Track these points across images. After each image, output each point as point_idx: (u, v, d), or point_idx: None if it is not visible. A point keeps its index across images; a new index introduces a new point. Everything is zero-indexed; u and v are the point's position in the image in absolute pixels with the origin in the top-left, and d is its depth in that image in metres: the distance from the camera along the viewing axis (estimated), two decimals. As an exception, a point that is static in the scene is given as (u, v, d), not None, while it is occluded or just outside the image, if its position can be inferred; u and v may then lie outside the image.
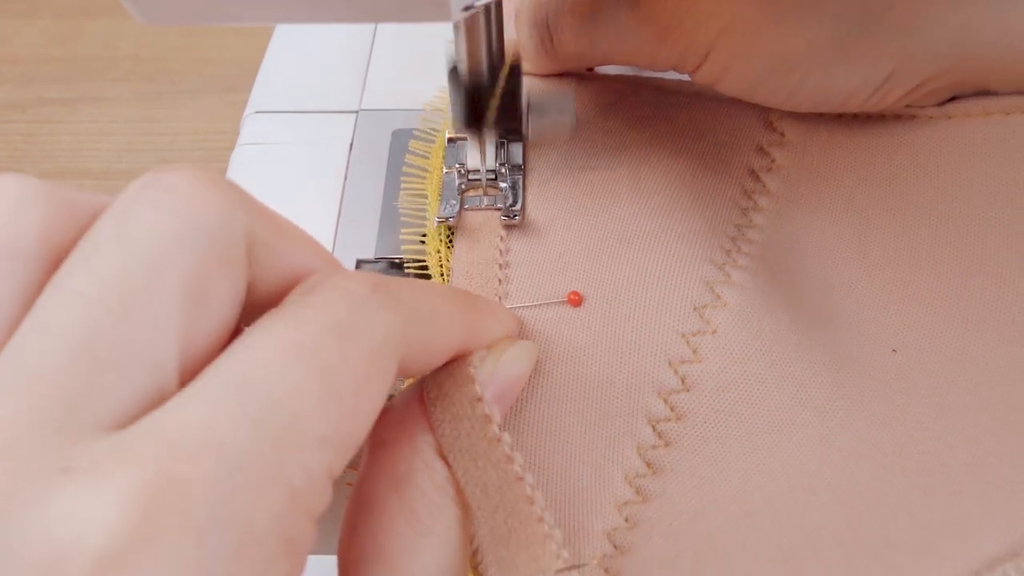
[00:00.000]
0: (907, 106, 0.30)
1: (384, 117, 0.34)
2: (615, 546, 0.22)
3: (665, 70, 0.29)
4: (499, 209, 0.28)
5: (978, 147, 0.29)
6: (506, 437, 0.20)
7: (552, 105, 0.27)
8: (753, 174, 0.30)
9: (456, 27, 0.23)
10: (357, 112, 0.34)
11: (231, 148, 0.34)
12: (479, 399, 0.20)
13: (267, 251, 0.16)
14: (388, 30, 0.37)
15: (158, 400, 0.14)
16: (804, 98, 0.29)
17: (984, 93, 0.30)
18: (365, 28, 0.37)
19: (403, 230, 0.29)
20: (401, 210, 0.30)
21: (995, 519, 0.22)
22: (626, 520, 0.23)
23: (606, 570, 0.22)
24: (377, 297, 0.16)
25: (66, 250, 0.15)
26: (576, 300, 0.26)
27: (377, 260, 0.29)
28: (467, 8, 0.19)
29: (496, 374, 0.21)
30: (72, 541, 0.12)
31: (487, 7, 0.23)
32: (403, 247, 0.29)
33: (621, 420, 0.24)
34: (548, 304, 0.26)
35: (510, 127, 0.27)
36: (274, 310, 0.16)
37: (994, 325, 0.26)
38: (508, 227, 0.28)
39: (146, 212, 0.15)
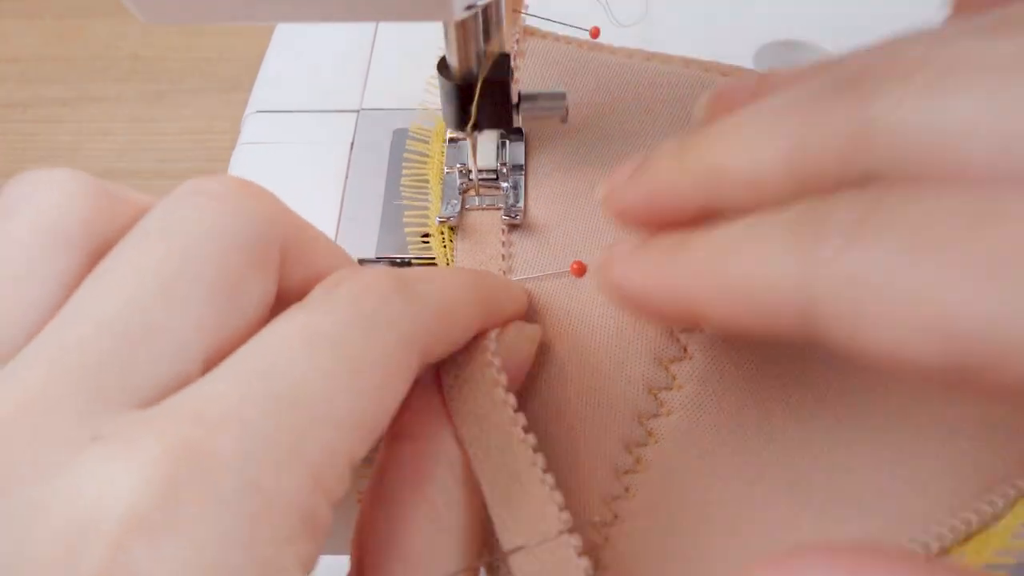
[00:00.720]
0: None
1: (385, 116, 0.34)
2: (615, 514, 0.23)
3: None
4: (500, 209, 0.28)
5: None
6: (511, 400, 0.20)
7: (544, 95, 0.27)
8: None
9: (446, 24, 0.23)
10: (358, 111, 0.34)
11: (231, 147, 0.34)
12: (489, 364, 0.20)
13: (298, 258, 0.17)
14: (389, 29, 0.37)
15: (183, 383, 0.15)
16: None
17: None
18: (366, 27, 0.37)
19: (408, 231, 0.29)
20: (404, 206, 0.30)
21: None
22: (626, 489, 0.23)
23: (606, 539, 0.22)
24: (400, 293, 0.17)
25: (110, 242, 0.16)
26: (579, 270, 0.26)
27: (378, 259, 0.29)
28: (469, 7, 0.19)
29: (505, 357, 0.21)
30: (99, 505, 0.12)
31: (488, 7, 0.23)
32: (410, 247, 0.29)
33: (621, 389, 0.24)
34: (552, 276, 0.26)
35: (500, 124, 0.26)
36: (299, 303, 0.17)
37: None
38: (510, 226, 0.28)
39: (190, 212, 0.16)
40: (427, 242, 0.29)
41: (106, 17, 0.59)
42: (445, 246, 0.28)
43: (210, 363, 0.15)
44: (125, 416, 0.14)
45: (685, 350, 0.25)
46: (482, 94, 0.24)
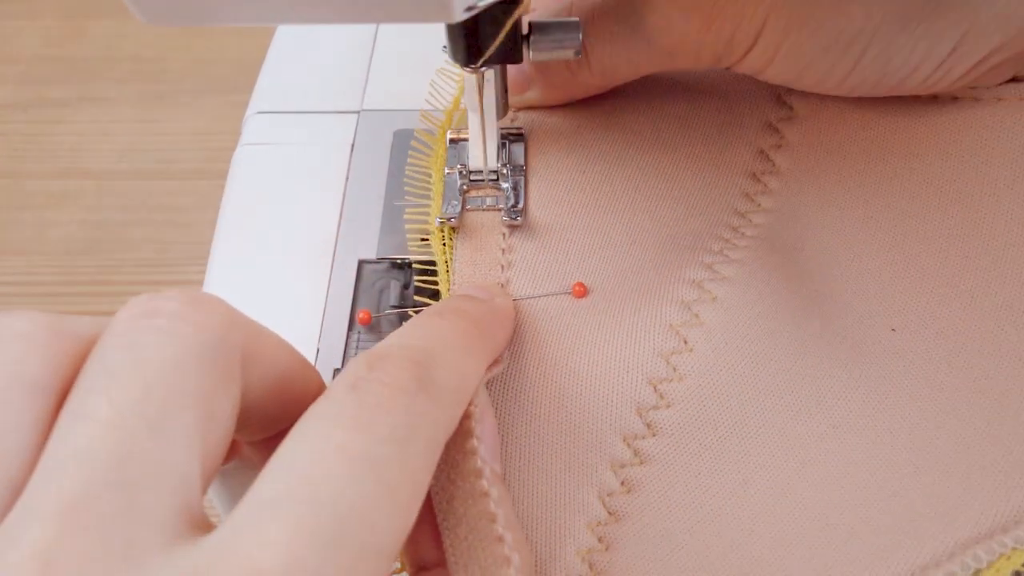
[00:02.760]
0: (971, 88, 0.28)
1: (386, 117, 0.34)
2: (601, 540, 0.22)
3: (709, 65, 0.28)
4: (501, 209, 0.28)
5: (1008, 129, 0.28)
6: (482, 450, 0.20)
7: (556, 25, 0.26)
8: (762, 154, 0.30)
9: None
10: (359, 112, 0.34)
11: (231, 148, 0.34)
12: (468, 416, 0.20)
13: (256, 362, 0.17)
14: (389, 31, 0.37)
15: (187, 518, 0.14)
16: (860, 79, 0.27)
17: None
18: (366, 29, 0.37)
19: (409, 227, 0.29)
20: (405, 207, 0.30)
21: (974, 501, 0.22)
22: (611, 518, 0.23)
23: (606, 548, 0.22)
24: (424, 391, 0.17)
25: (70, 380, 0.15)
26: (581, 292, 0.26)
27: (379, 260, 0.29)
28: (469, 8, 0.19)
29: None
30: None
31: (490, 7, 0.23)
32: (410, 247, 0.29)
33: (609, 415, 0.24)
34: (546, 296, 0.26)
35: (509, 58, 0.25)
36: (321, 407, 0.16)
37: (993, 308, 0.26)
38: (510, 227, 0.28)
39: (154, 338, 0.15)
40: (427, 241, 0.29)
41: (107, 18, 0.59)
42: (445, 244, 0.28)
43: (203, 483, 0.15)
44: (169, 566, 0.13)
45: (675, 370, 0.25)
46: (490, 23, 0.23)
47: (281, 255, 0.30)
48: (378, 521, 0.15)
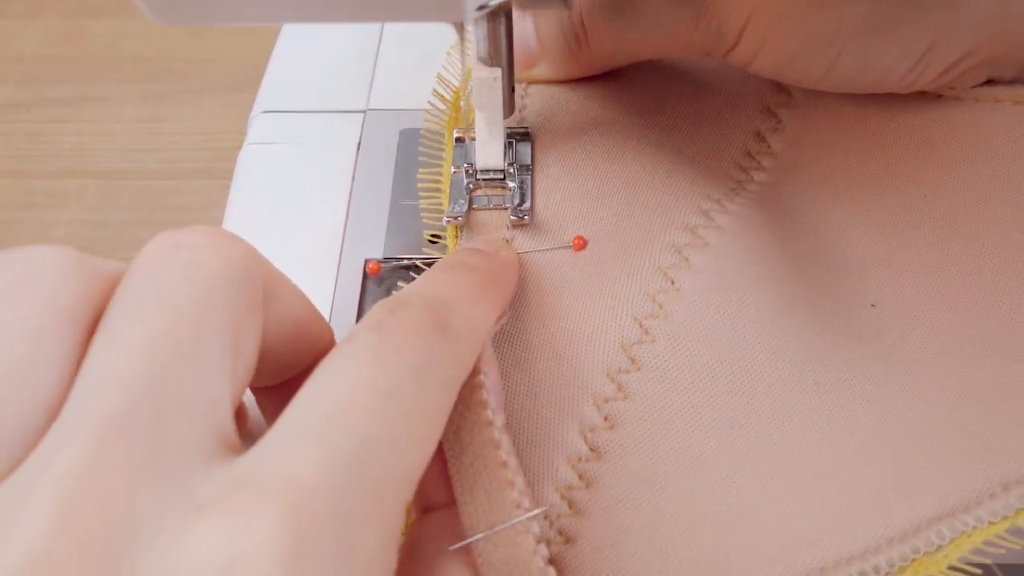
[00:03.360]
0: (949, 88, 0.30)
1: (392, 117, 0.34)
2: (581, 477, 0.23)
3: (700, 55, 0.29)
4: (507, 208, 0.28)
5: (998, 131, 0.29)
6: (488, 383, 0.20)
7: None
8: (759, 135, 0.31)
9: None
10: (365, 112, 0.34)
11: (235, 148, 0.34)
12: (477, 359, 0.21)
13: (274, 301, 0.18)
14: (395, 29, 0.37)
15: (220, 440, 0.15)
16: (839, 76, 0.28)
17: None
18: (372, 27, 0.37)
19: (427, 219, 0.29)
20: (412, 207, 0.30)
21: (939, 480, 0.23)
22: (592, 454, 0.23)
23: (564, 522, 0.22)
24: (442, 334, 0.18)
25: (98, 312, 0.16)
26: (580, 244, 0.27)
27: (386, 260, 0.29)
28: (481, 7, 0.19)
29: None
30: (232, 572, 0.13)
31: (502, 5, 0.23)
32: (424, 249, 0.29)
33: (594, 351, 0.25)
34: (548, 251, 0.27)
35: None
36: (347, 347, 0.17)
37: (969, 301, 0.26)
38: (517, 227, 0.28)
39: (182, 268, 0.16)
40: (435, 241, 0.29)
41: (109, 17, 0.59)
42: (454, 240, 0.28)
43: (233, 405, 0.16)
44: (211, 479, 0.14)
45: (661, 308, 0.26)
46: None
47: (287, 255, 0.30)
48: (401, 450, 0.16)
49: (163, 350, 0.15)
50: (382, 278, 0.29)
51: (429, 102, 0.31)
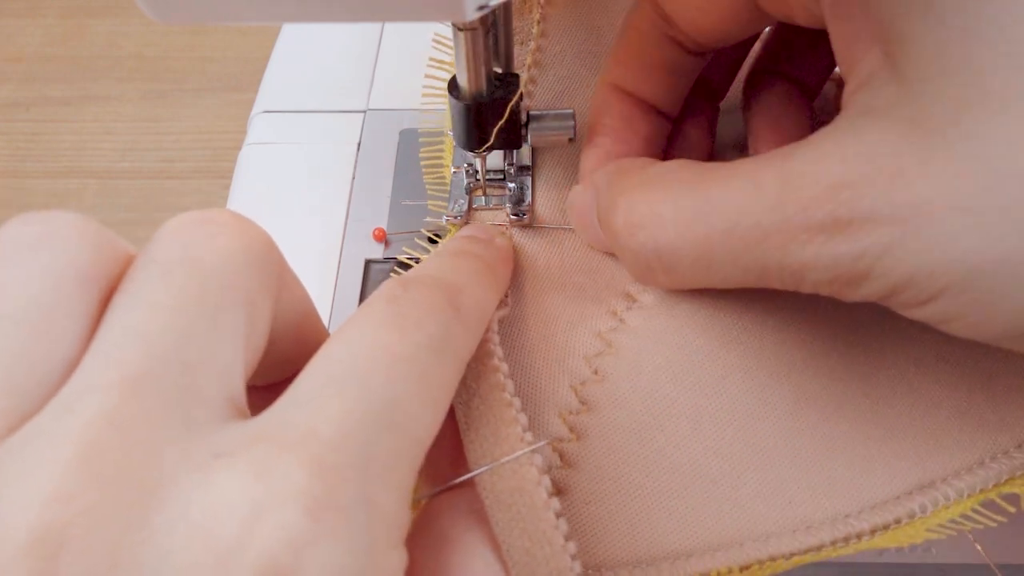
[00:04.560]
0: None
1: (392, 117, 0.34)
2: (571, 430, 0.23)
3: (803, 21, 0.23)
4: (507, 208, 0.28)
5: None
6: (495, 338, 0.22)
7: (552, 115, 0.27)
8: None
9: (456, 36, 0.23)
10: (365, 112, 0.34)
11: (235, 147, 0.34)
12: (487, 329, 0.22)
13: (285, 291, 0.18)
14: (395, 30, 0.37)
15: (237, 403, 0.15)
16: None
17: None
18: (372, 28, 0.37)
19: (433, 208, 0.29)
20: (412, 207, 0.30)
21: (886, 467, 0.23)
22: (582, 403, 0.24)
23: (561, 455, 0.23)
24: (455, 311, 0.19)
25: (114, 281, 0.16)
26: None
27: (385, 260, 0.29)
28: (481, 7, 0.19)
29: None
30: (255, 526, 0.13)
31: (502, 6, 0.23)
32: (418, 239, 0.29)
33: (570, 344, 0.25)
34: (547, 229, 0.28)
35: (510, 144, 0.26)
36: (362, 315, 0.17)
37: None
38: (516, 226, 0.28)
39: (207, 239, 0.16)
40: (435, 241, 0.29)
41: (109, 16, 0.59)
42: None
43: (245, 377, 0.16)
44: (231, 433, 0.14)
45: (635, 300, 0.26)
46: (492, 114, 0.25)
47: (288, 255, 0.30)
48: (418, 414, 0.16)
49: (186, 310, 0.15)
50: (380, 279, 0.29)
51: (424, 90, 0.31)
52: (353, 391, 0.15)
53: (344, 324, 0.17)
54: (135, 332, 0.14)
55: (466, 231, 0.27)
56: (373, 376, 0.16)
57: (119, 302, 0.15)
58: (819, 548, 0.22)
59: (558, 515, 0.19)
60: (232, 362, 0.15)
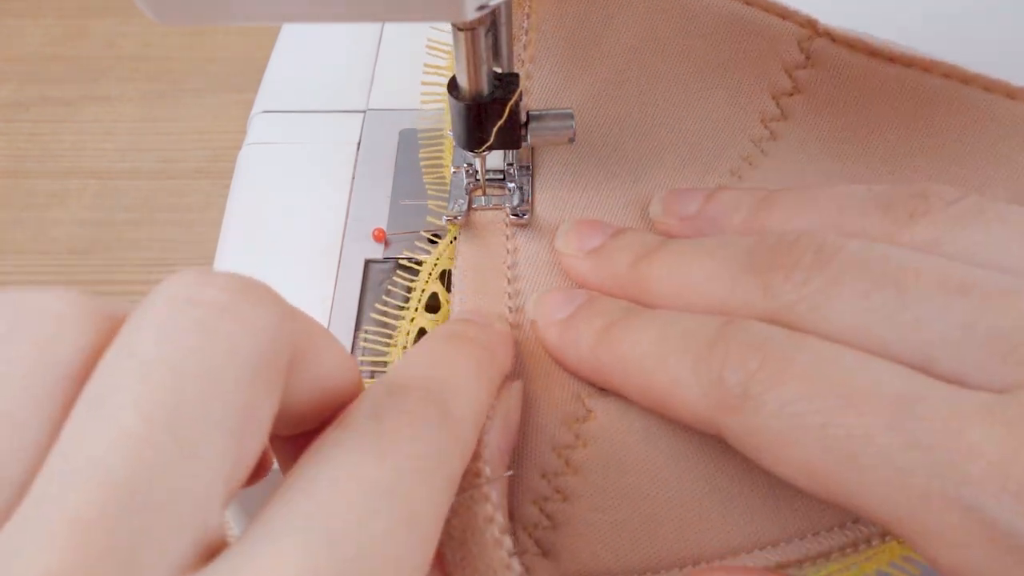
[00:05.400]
0: None
1: (392, 117, 0.33)
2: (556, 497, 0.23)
3: None
4: (506, 208, 0.28)
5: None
6: (487, 471, 0.20)
7: (551, 115, 0.27)
8: (775, 99, 0.30)
9: (456, 36, 0.23)
10: (364, 112, 0.34)
11: (234, 147, 0.34)
12: (487, 511, 0.20)
13: (303, 365, 0.16)
14: (395, 29, 0.37)
15: (203, 542, 0.13)
16: None
17: None
18: (372, 27, 0.37)
19: (434, 207, 0.29)
20: (412, 207, 0.30)
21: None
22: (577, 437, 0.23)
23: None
24: (444, 423, 0.17)
25: (99, 352, 0.14)
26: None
27: (385, 260, 0.29)
28: (481, 7, 0.19)
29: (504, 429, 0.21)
30: None
31: (502, 6, 0.23)
32: (417, 240, 0.29)
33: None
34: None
35: (509, 144, 0.26)
36: (341, 434, 0.15)
37: None
38: (516, 226, 0.28)
39: (196, 335, 0.14)
40: (435, 241, 0.29)
41: (109, 17, 0.59)
42: (451, 242, 0.28)
43: (227, 501, 0.14)
44: None
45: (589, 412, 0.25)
46: (492, 114, 0.25)
47: (287, 255, 0.30)
48: (398, 557, 0.14)
49: (157, 441, 0.13)
50: (382, 279, 0.29)
51: (423, 97, 0.31)
52: (314, 539, 0.13)
53: (320, 441, 0.15)
54: (94, 463, 0.12)
55: (462, 315, 0.25)
56: (341, 516, 0.13)
57: (86, 405, 0.13)
58: (827, 554, 0.21)
59: None
60: (208, 493, 0.13)
